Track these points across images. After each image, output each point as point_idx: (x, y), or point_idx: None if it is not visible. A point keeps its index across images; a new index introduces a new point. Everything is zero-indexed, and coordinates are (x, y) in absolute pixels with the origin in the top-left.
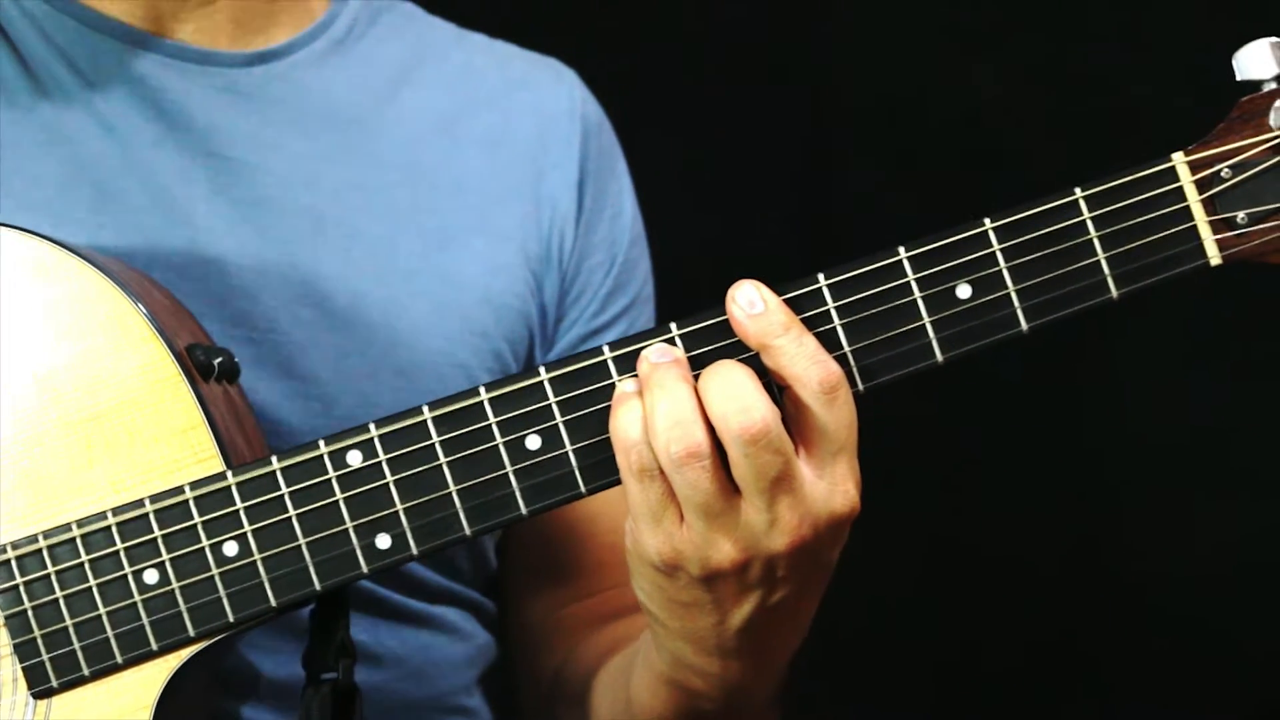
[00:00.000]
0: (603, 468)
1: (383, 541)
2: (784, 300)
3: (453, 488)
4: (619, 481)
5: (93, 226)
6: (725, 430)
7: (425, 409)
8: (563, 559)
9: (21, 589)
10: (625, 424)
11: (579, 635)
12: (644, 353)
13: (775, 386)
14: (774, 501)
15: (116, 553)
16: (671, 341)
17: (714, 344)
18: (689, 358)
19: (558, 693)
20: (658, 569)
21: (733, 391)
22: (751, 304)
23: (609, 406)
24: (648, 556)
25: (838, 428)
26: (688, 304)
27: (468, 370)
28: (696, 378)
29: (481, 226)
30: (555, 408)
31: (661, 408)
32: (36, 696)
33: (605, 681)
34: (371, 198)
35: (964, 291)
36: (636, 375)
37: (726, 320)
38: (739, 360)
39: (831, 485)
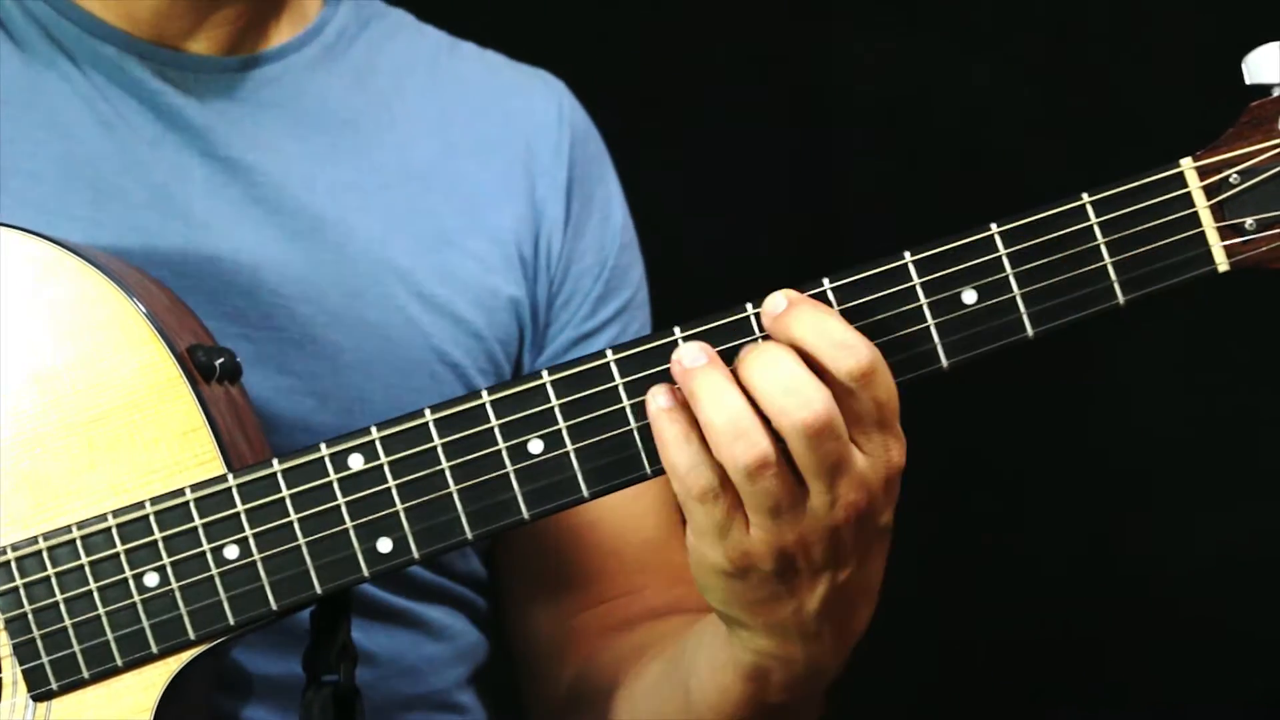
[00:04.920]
0: (606, 472)
1: (384, 545)
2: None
3: (454, 491)
4: (621, 486)
5: (90, 224)
6: (787, 424)
7: (427, 411)
8: (566, 568)
9: (21, 591)
10: (675, 448)
11: (594, 644)
12: (675, 356)
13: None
14: (835, 483)
15: (117, 555)
16: (674, 345)
17: (719, 346)
18: None
19: (577, 702)
20: (729, 575)
21: (788, 382)
22: (775, 306)
23: (613, 410)
24: (718, 566)
25: (883, 402)
26: (688, 305)
27: (460, 370)
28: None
29: (477, 228)
30: (558, 411)
31: (719, 419)
32: (36, 699)
33: (645, 687)
34: (367, 198)
35: (970, 296)
36: (663, 386)
37: (731, 322)
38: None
39: (884, 450)
